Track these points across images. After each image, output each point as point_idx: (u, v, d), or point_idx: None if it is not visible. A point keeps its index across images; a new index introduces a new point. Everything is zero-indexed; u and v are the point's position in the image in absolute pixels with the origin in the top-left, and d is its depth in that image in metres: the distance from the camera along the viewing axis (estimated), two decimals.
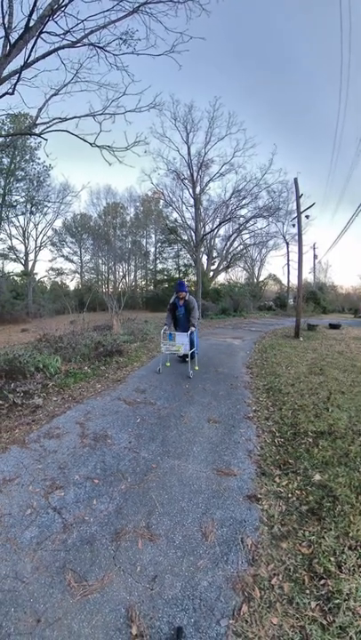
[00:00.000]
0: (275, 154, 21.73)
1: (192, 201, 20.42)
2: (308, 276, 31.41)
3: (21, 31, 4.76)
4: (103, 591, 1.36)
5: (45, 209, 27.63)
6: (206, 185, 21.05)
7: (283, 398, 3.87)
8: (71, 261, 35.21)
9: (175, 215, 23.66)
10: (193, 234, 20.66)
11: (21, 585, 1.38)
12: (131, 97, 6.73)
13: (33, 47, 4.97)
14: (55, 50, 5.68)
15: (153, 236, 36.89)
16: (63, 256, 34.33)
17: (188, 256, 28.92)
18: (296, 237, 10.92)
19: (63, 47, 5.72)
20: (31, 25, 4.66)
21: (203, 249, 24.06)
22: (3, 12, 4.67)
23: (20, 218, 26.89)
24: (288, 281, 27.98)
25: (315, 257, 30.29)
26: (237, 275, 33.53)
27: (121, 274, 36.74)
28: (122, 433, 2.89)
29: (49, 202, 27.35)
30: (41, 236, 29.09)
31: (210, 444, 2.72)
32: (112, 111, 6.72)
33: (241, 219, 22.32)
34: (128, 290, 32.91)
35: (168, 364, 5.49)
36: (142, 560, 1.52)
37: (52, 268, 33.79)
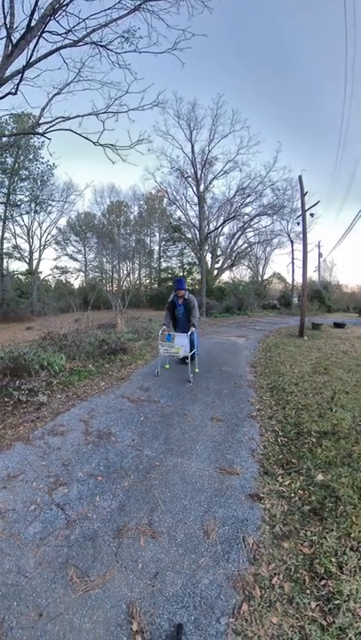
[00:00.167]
0: (279, 151, 21.67)
1: (196, 199, 20.39)
2: (312, 275, 31.05)
3: (23, 31, 4.78)
4: (105, 587, 1.37)
5: (49, 208, 27.84)
6: (210, 183, 21.01)
7: (286, 397, 3.85)
8: (75, 260, 35.43)
9: (179, 213, 23.69)
10: (197, 232, 20.64)
11: (24, 579, 1.40)
12: (133, 95, 6.73)
13: (35, 47, 5.00)
14: (57, 49, 5.69)
15: (157, 234, 36.91)
16: (67, 255, 34.57)
17: (193, 254, 28.89)
18: (301, 235, 10.83)
19: (65, 46, 5.73)
20: (33, 25, 4.68)
21: (207, 247, 24.00)
22: (4, 12, 4.68)
23: (25, 217, 27.15)
24: (293, 279, 27.82)
25: (320, 255, 29.91)
26: (242, 273, 33.44)
27: (125, 272, 36.83)
28: (125, 431, 2.91)
29: (53, 201, 27.55)
30: (45, 234, 29.31)
31: (213, 442, 2.73)
32: (115, 110, 6.73)
33: (245, 217, 22.26)
34: (132, 288, 33.02)
35: (167, 367, 5.22)
36: (144, 557, 1.53)
37: (56, 267, 34.05)
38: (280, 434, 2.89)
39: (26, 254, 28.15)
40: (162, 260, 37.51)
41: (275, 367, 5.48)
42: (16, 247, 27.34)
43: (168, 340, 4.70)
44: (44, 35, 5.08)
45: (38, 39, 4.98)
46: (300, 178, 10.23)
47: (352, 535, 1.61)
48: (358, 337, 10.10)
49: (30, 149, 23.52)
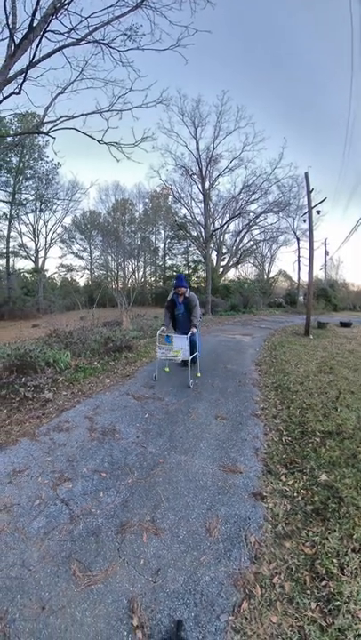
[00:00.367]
0: (285, 147, 21.32)
1: (201, 196, 20.28)
2: (318, 273, 30.75)
3: (25, 31, 4.81)
4: (107, 582, 1.39)
5: (55, 206, 28.00)
6: (215, 180, 20.85)
7: (291, 396, 3.83)
8: (81, 258, 35.61)
9: (184, 211, 23.58)
10: (202, 230, 20.54)
11: (28, 573, 1.43)
12: (137, 93, 6.76)
13: (38, 46, 5.01)
14: (60, 48, 5.70)
15: (162, 232, 36.79)
16: (73, 253, 34.75)
17: (198, 252, 28.75)
18: (307, 233, 10.68)
19: (68, 45, 5.74)
20: (35, 24, 4.70)
21: (212, 245, 23.86)
22: (6, 13, 4.71)
23: (30, 215, 27.34)
24: (299, 278, 27.50)
25: (326, 253, 29.57)
26: (247, 271, 33.18)
27: (130, 270, 36.91)
28: (130, 428, 2.93)
29: (58, 199, 27.70)
30: (51, 233, 29.49)
31: (217, 440, 2.73)
32: (119, 108, 6.73)
33: (251, 214, 22.07)
34: (137, 286, 33.08)
35: (167, 370, 4.90)
36: (146, 553, 1.55)
37: (61, 265, 34.27)
38: (284, 433, 2.88)
39: (32, 253, 28.43)
40: (167, 257, 37.47)
41: (280, 366, 5.45)
42: (22, 246, 27.62)
43: (167, 342, 4.35)
44: (46, 34, 5.09)
45: (41, 39, 4.99)
46: (306, 175, 10.10)
47: (354, 537, 1.60)
48: None
49: (35, 148, 23.66)
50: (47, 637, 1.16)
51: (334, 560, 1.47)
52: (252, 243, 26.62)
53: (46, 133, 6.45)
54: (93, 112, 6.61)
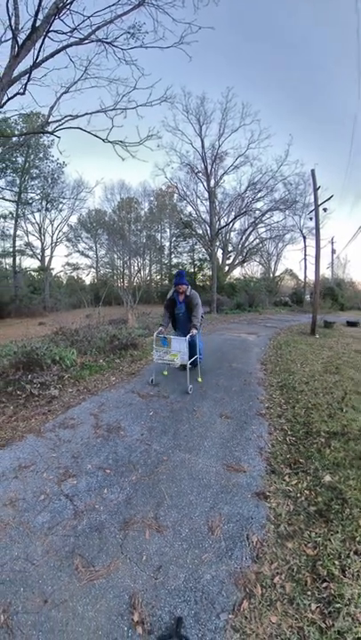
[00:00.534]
0: (291, 144, 21.03)
1: (207, 194, 20.11)
2: (325, 272, 30.29)
3: (28, 32, 4.83)
4: (109, 577, 1.41)
5: (60, 205, 28.24)
6: (221, 178, 20.66)
7: (296, 396, 3.80)
8: (87, 256, 35.87)
9: (190, 209, 23.47)
10: (208, 228, 20.41)
11: (31, 567, 1.45)
12: (141, 91, 6.71)
13: (41, 47, 5.05)
14: (63, 48, 5.72)
15: (168, 230, 36.77)
16: (79, 251, 35.03)
17: (204, 250, 28.65)
18: (313, 231, 10.53)
19: (71, 45, 5.75)
20: (38, 25, 4.72)
21: (218, 243, 23.73)
22: (9, 14, 4.73)
23: (36, 215, 27.66)
24: (305, 276, 27.12)
25: (333, 251, 29.10)
26: (253, 269, 32.85)
27: (136, 268, 36.95)
28: (134, 425, 2.95)
29: (64, 198, 27.95)
30: (57, 232, 29.77)
31: (221, 439, 2.73)
32: (123, 106, 6.74)
33: (257, 212, 21.84)
34: (143, 284, 33.10)
35: (165, 373, 4.55)
36: (148, 550, 1.56)
37: (67, 263, 34.63)
38: (289, 433, 2.86)
39: (38, 251, 28.76)
40: (173, 255, 37.43)
41: (285, 365, 5.40)
42: (28, 244, 27.97)
43: (164, 345, 3.97)
44: (49, 34, 5.12)
45: (44, 39, 5.02)
46: (312, 172, 9.94)
47: (357, 539, 1.58)
48: None
49: (40, 148, 23.84)
50: (49, 630, 1.18)
51: (336, 562, 1.46)
52: (258, 241, 26.41)
53: (51, 133, 6.49)
54: (98, 111, 6.63)
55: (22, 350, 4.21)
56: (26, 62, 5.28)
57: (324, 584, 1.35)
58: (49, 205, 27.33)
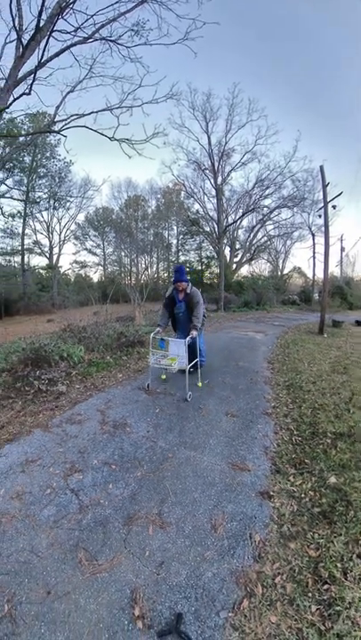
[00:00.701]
0: (299, 140, 20.64)
1: (214, 192, 20.00)
2: (334, 270, 29.75)
3: (32, 32, 4.86)
4: (111, 571, 1.43)
5: (68, 204, 28.63)
6: (228, 175, 20.49)
7: (303, 396, 3.76)
8: (94, 254, 36.14)
9: (197, 206, 23.42)
10: (215, 225, 20.29)
11: (36, 559, 1.49)
12: (147, 89, 6.75)
13: (45, 47, 5.06)
14: (67, 47, 5.73)
15: (175, 227, 36.65)
16: (86, 249, 35.30)
17: (211, 248, 28.46)
18: (322, 229, 10.33)
19: (75, 44, 5.76)
20: (41, 25, 4.74)
21: (225, 240, 23.58)
22: (12, 15, 4.75)
23: (44, 213, 28.07)
24: (313, 274, 26.67)
25: (342, 249, 28.51)
26: (261, 267, 32.56)
27: (143, 266, 37.03)
28: (141, 422, 2.97)
29: (71, 197, 28.29)
30: (64, 230, 30.14)
31: (226, 437, 2.72)
32: (129, 104, 6.74)
33: (265, 209, 21.63)
34: (150, 282, 33.17)
35: (163, 377, 4.20)
36: (151, 546, 1.58)
37: (75, 261, 34.93)
38: (295, 433, 2.83)
39: (46, 249, 29.16)
40: (180, 253, 37.31)
41: (292, 364, 5.35)
42: (36, 243, 28.39)
43: (161, 347, 3.67)
44: (53, 34, 5.14)
45: (48, 39, 5.04)
46: (321, 168, 9.74)
47: (360, 542, 1.56)
48: None
49: (47, 147, 24.09)
50: (51, 621, 1.21)
51: (338, 564, 1.44)
52: (266, 238, 26.14)
53: (57, 132, 6.52)
54: (104, 109, 6.64)
55: (31, 347, 4.28)
56: (31, 62, 5.35)
57: (326, 586, 1.34)
58: (56, 204, 27.71)
